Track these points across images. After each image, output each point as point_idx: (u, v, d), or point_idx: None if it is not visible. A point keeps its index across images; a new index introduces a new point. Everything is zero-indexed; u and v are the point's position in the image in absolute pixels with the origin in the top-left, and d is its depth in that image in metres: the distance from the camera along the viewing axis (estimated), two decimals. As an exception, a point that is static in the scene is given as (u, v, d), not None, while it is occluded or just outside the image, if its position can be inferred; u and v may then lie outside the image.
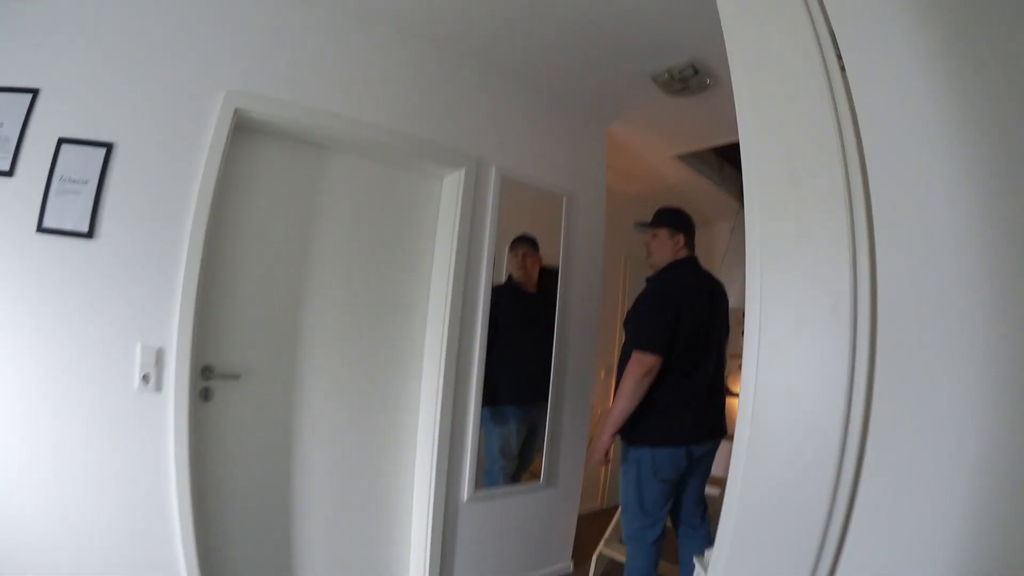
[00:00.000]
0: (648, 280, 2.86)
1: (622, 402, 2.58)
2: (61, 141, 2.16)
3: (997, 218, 0.74)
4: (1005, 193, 0.74)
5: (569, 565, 3.65)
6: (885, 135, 0.87)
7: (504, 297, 3.26)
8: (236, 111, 2.42)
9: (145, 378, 2.21)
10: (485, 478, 3.18)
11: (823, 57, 0.95)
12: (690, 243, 2.87)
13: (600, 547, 3.56)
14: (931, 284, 0.79)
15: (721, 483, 3.86)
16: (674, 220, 2.87)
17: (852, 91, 0.91)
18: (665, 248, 2.84)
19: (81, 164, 2.17)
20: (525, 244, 3.37)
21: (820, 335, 0.95)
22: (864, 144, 0.89)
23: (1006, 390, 0.73)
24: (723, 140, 4.01)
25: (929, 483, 0.78)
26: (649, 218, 2.94)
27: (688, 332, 2.60)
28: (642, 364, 2.54)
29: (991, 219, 0.74)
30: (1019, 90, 0.74)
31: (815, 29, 0.96)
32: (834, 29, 0.94)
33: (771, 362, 1.03)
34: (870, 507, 0.86)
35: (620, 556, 3.28)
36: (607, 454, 2.71)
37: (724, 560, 1.10)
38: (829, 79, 0.94)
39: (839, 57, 0.93)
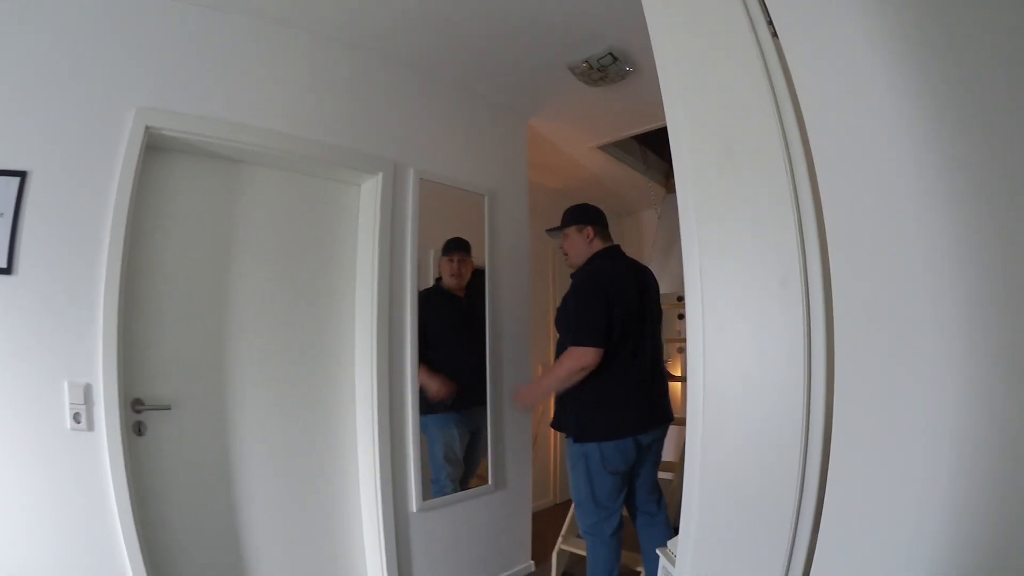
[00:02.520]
0: (573, 276, 2.86)
1: (551, 382, 2.68)
2: (-28, 173, 2.03)
3: (952, 179, 0.71)
4: (961, 152, 0.71)
5: (530, 565, 3.63)
6: (825, 98, 0.83)
7: (434, 303, 3.21)
8: (147, 129, 2.31)
9: (76, 417, 2.11)
10: (433, 487, 3.11)
11: (752, 22, 0.91)
12: (602, 233, 2.88)
13: (559, 543, 3.56)
14: (889, 252, 0.77)
15: (673, 468, 3.92)
16: (578, 216, 2.89)
17: (786, 55, 0.88)
18: (578, 245, 2.86)
19: None
20: (460, 251, 3.33)
21: (769, 313, 0.92)
22: (803, 109, 0.85)
23: (973, 353, 0.71)
24: (646, 127, 4.03)
25: (908, 454, 0.76)
26: (558, 224, 2.96)
27: (621, 320, 2.60)
28: (581, 358, 2.54)
29: (948, 179, 0.71)
30: (970, 38, 0.72)
31: (742, -5, 0.93)
32: (763, -8, 0.91)
33: (719, 344, 1.00)
34: (844, 480, 0.83)
35: (580, 550, 3.27)
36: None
37: (691, 551, 1.06)
38: (760, 45, 0.91)
39: (770, 23, 0.90)
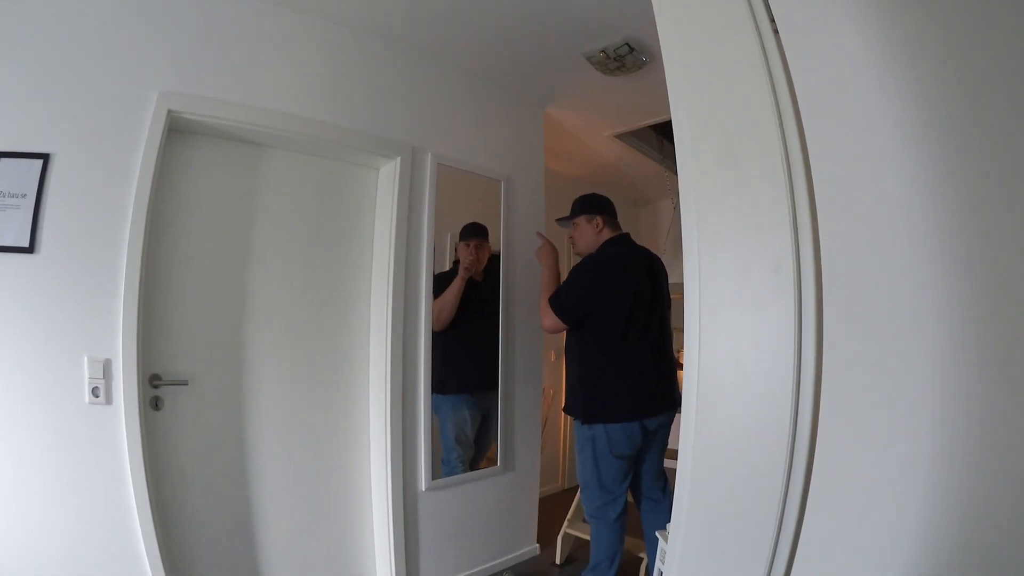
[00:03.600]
0: (580, 256, 2.95)
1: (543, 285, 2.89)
2: (-2, 155, 2.08)
3: (943, 177, 0.74)
4: (951, 150, 0.74)
5: (535, 548, 3.67)
6: (822, 95, 0.86)
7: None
8: (169, 112, 2.34)
9: (95, 391, 2.15)
10: (443, 467, 3.16)
11: (755, 19, 0.94)
12: (611, 222, 2.93)
13: (564, 527, 3.60)
14: (880, 243, 0.80)
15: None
16: (587, 206, 2.94)
17: (786, 53, 0.90)
18: (587, 234, 2.91)
19: (19, 177, 2.08)
20: (477, 236, 3.36)
21: (763, 298, 0.95)
22: (800, 105, 0.88)
23: (963, 342, 0.73)
24: (661, 117, 4.02)
25: (890, 435, 0.79)
26: (568, 214, 3.01)
27: (628, 307, 2.64)
28: (544, 316, 2.75)
29: (937, 177, 0.74)
30: (965, 40, 0.74)
31: (746, -9, 0.95)
32: (766, -10, 0.94)
33: (714, 329, 1.03)
34: (831, 466, 0.86)
35: (585, 535, 3.32)
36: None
37: (682, 531, 1.10)
38: (762, 42, 0.94)
39: (772, 19, 0.93)
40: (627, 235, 2.93)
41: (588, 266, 2.77)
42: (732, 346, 1.00)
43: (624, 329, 2.64)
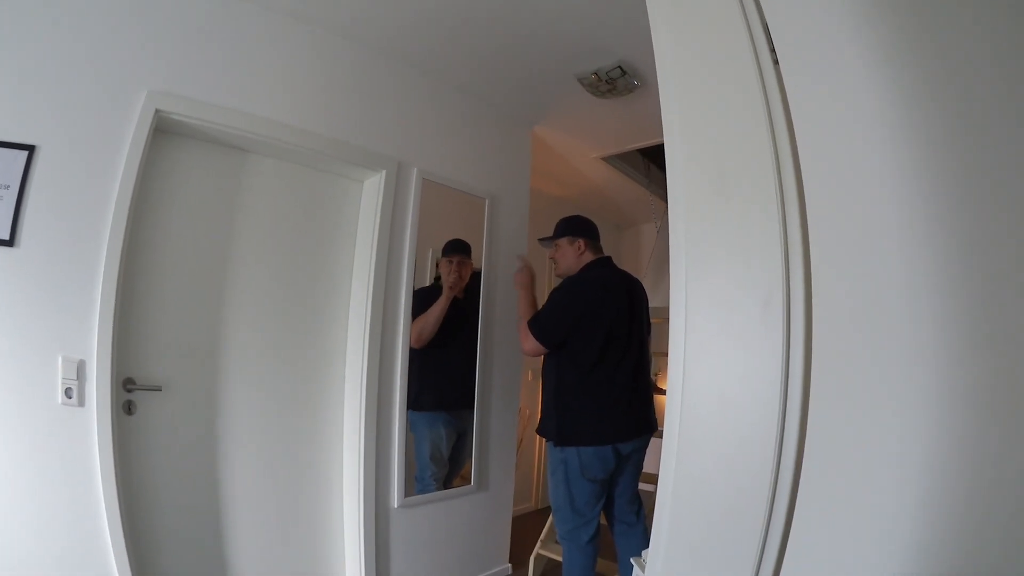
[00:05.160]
0: (560, 277, 2.94)
1: (520, 312, 2.89)
2: (-19, 144, 2.03)
3: (944, 214, 0.72)
4: (952, 187, 0.72)
5: (507, 568, 3.63)
6: (820, 129, 0.85)
7: (433, 302, 3.21)
8: (156, 112, 2.32)
9: (67, 392, 2.11)
10: (416, 485, 3.12)
11: (755, 50, 0.93)
12: (593, 245, 2.92)
13: (537, 548, 3.57)
14: (873, 283, 0.78)
15: (655, 480, 3.95)
16: (571, 228, 2.93)
17: (785, 84, 0.89)
18: (568, 256, 2.91)
19: (3, 168, 2.04)
20: (460, 253, 3.34)
21: (750, 336, 0.93)
22: (797, 138, 0.87)
23: (956, 389, 0.71)
24: (650, 141, 4.04)
25: (874, 484, 0.77)
26: (551, 233, 3.01)
27: (606, 330, 2.63)
28: (524, 341, 2.73)
29: (938, 215, 0.72)
30: (970, 76, 0.73)
31: (747, 19, 0.94)
32: (767, 20, 0.93)
33: (699, 364, 1.01)
34: (812, 509, 0.84)
35: (557, 556, 3.29)
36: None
37: (660, 563, 1.08)
38: (761, 73, 0.93)
39: (772, 50, 0.92)
40: (608, 258, 2.93)
41: (567, 289, 2.77)
42: (717, 379, 0.98)
43: (601, 353, 2.63)
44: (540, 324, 2.68)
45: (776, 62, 0.93)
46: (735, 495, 0.94)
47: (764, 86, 0.92)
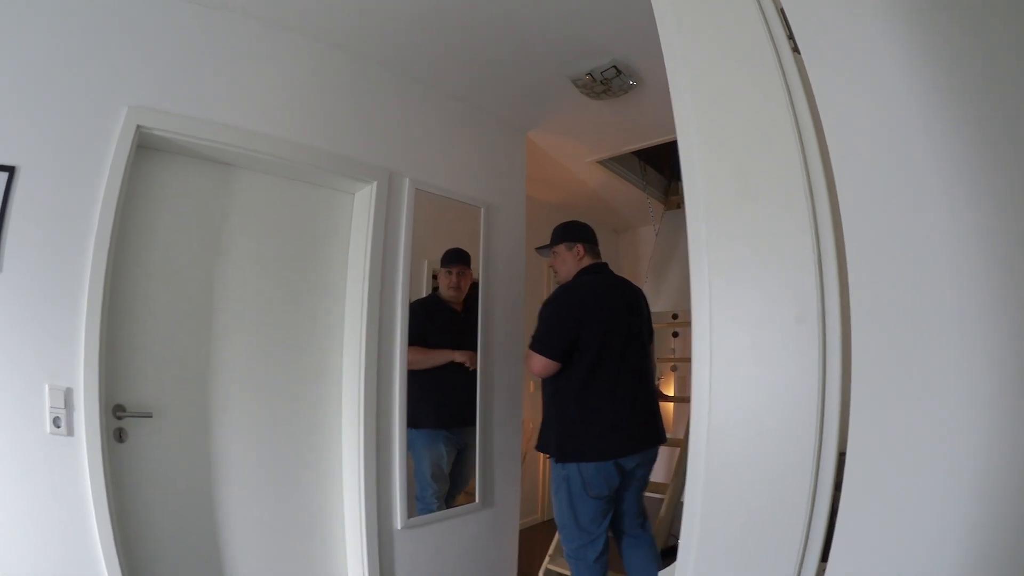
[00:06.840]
0: (558, 286, 2.86)
1: None
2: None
3: (989, 214, 0.64)
4: (1000, 186, 0.64)
5: (516, 584, 3.53)
6: (849, 120, 0.76)
7: (432, 314, 3.14)
8: (138, 128, 2.25)
9: (56, 421, 2.04)
10: (418, 504, 3.03)
11: (772, 37, 0.84)
12: (591, 250, 2.85)
13: (545, 563, 3.49)
14: (918, 293, 0.69)
15: (663, 489, 3.85)
16: (567, 234, 2.87)
17: (809, 75, 0.80)
18: (567, 263, 2.84)
19: None
20: (459, 263, 3.26)
21: (783, 351, 0.84)
22: (826, 131, 0.78)
23: (1007, 400, 0.63)
24: (646, 142, 3.97)
25: (921, 505, 0.69)
26: (548, 241, 2.94)
27: (600, 338, 2.57)
28: (533, 365, 2.61)
29: (984, 214, 0.64)
30: (1007, 52, 0.65)
31: (761, 6, 0.85)
32: (783, 5, 0.84)
33: (727, 382, 0.92)
34: (850, 544, 0.75)
35: (566, 571, 3.20)
36: None
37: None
38: (780, 63, 0.84)
39: (791, 37, 0.83)
40: (604, 264, 2.87)
41: (558, 297, 2.71)
42: (748, 402, 0.89)
43: (596, 361, 2.56)
44: (541, 340, 2.61)
45: (796, 50, 0.84)
46: (767, 533, 0.85)
47: (785, 78, 0.84)
